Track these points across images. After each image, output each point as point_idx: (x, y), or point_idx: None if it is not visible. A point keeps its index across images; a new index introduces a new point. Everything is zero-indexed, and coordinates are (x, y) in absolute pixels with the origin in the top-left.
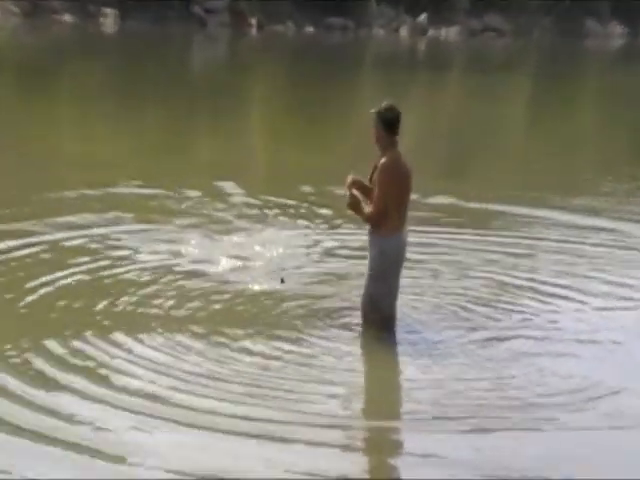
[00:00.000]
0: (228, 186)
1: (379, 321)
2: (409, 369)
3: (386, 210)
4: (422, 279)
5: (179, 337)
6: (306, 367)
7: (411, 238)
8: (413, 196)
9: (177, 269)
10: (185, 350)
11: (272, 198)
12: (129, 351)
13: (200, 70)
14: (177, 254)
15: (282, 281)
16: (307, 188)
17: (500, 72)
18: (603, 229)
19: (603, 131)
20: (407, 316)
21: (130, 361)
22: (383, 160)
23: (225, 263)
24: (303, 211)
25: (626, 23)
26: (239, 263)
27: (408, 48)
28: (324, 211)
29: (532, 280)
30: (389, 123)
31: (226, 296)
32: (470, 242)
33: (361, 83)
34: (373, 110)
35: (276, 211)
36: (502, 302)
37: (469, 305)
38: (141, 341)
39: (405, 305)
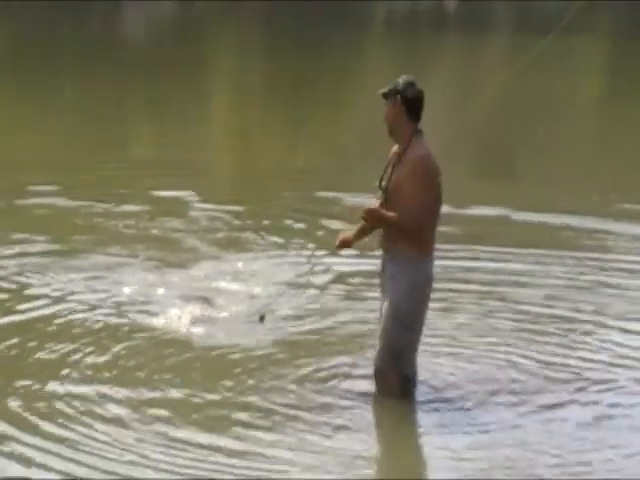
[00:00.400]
0: (183, 195)
1: (397, 383)
2: (441, 458)
3: (422, 222)
4: (448, 319)
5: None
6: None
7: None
8: (446, 207)
9: (107, 316)
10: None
11: (243, 210)
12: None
13: (137, 37)
14: (109, 294)
15: (261, 319)
16: (289, 196)
17: (564, 33)
18: None
19: None
20: (433, 375)
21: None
22: (416, 152)
23: (179, 307)
24: (287, 228)
25: None
26: (199, 307)
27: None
28: (315, 228)
29: (603, 325)
30: (413, 104)
31: (176, 358)
32: (518, 270)
33: (365, 52)
34: (386, 89)
35: (250, 229)
36: (562, 356)
37: (518, 359)
38: (34, 429)
39: (428, 360)
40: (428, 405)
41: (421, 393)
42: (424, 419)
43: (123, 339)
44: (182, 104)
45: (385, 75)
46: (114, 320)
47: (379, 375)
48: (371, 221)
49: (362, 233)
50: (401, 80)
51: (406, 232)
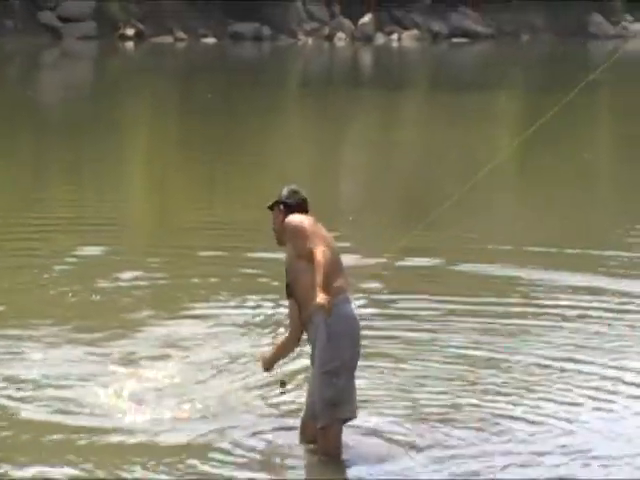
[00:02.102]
0: (97, 253)
1: (338, 433)
2: None
3: (297, 274)
4: (388, 370)
5: None
6: None
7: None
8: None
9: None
10: None
11: (164, 266)
12: None
13: (51, 99)
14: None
15: (282, 385)
16: (206, 250)
17: (476, 89)
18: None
19: (618, 159)
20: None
21: None
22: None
23: (104, 406)
24: (235, 288)
25: None
26: (138, 410)
27: (348, 60)
28: (233, 283)
29: (545, 366)
30: (295, 208)
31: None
32: (449, 315)
33: (282, 111)
34: (271, 203)
35: (174, 288)
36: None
37: (452, 414)
38: None
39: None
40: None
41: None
42: None
43: None
44: (99, 164)
45: (301, 134)
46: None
47: (321, 432)
48: (264, 365)
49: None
50: (285, 190)
51: (323, 268)
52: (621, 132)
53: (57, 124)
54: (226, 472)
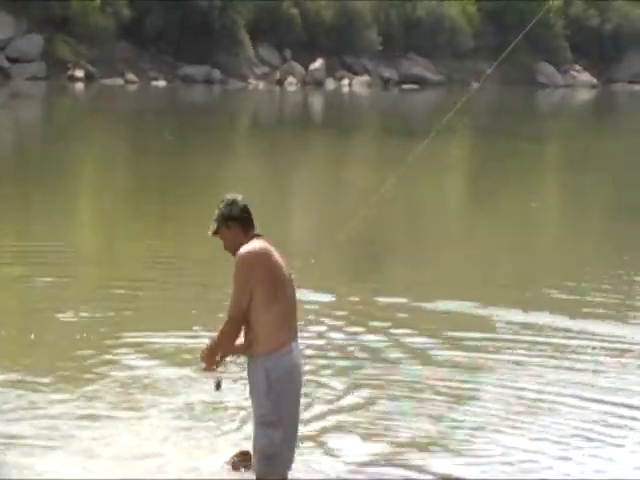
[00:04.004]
0: (56, 287)
1: None
2: None
3: (244, 315)
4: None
5: None
6: None
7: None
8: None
9: None
10: None
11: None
12: None
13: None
14: None
15: (218, 386)
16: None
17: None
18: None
19: (564, 207)
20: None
21: None
22: (240, 250)
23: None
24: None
25: (594, 68)
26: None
27: (298, 105)
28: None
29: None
30: (242, 218)
31: None
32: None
33: (233, 155)
34: (213, 227)
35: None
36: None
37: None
38: None
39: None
40: None
41: None
42: None
43: None
44: (48, 202)
45: (252, 174)
46: None
47: None
48: (205, 360)
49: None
50: (223, 206)
51: (230, 335)
52: (565, 182)
53: (5, 163)
54: None
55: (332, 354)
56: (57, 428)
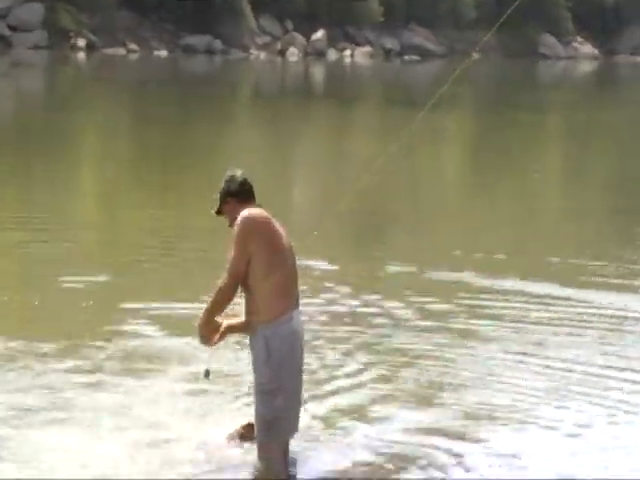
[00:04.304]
0: (54, 262)
1: (278, 455)
2: None
3: (242, 280)
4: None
5: None
6: None
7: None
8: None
9: None
10: None
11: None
12: None
13: (1, 107)
14: None
15: (207, 375)
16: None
17: (432, 109)
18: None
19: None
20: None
21: None
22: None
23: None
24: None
25: (596, 40)
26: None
27: (299, 76)
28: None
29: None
30: (242, 192)
31: None
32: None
33: (235, 125)
34: (215, 207)
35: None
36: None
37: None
38: None
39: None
40: None
41: None
42: None
43: None
44: (50, 171)
45: (254, 144)
46: None
47: (260, 451)
48: (202, 331)
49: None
50: (223, 182)
51: (227, 291)
52: (568, 152)
53: (7, 132)
54: None
55: (337, 323)
56: (61, 397)
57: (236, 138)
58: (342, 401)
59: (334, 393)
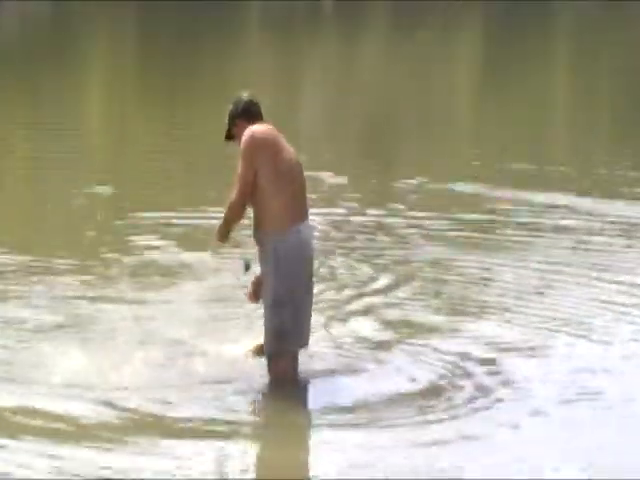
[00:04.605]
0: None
1: (288, 364)
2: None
3: (251, 193)
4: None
5: None
6: None
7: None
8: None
9: None
10: None
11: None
12: None
13: (12, 30)
14: None
15: (247, 267)
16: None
17: (437, 29)
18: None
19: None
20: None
21: None
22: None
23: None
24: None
25: None
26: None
27: None
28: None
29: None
30: (249, 112)
31: None
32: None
33: (240, 49)
34: (225, 133)
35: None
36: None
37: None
38: None
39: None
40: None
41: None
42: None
43: None
44: (58, 90)
45: (261, 70)
46: None
47: (269, 361)
48: (218, 235)
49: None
50: (231, 106)
51: (236, 207)
52: (579, 65)
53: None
54: None
55: (349, 235)
56: (74, 313)
57: (246, 57)
58: (378, 316)
59: (368, 309)
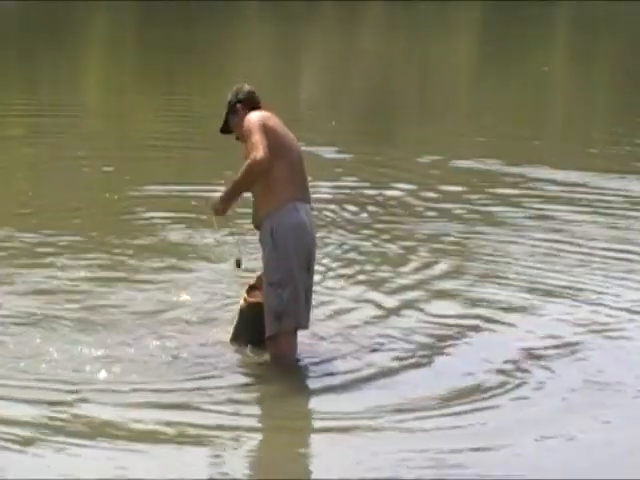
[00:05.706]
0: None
1: (288, 345)
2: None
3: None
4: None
5: None
6: None
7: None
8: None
9: None
10: None
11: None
12: None
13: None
14: None
15: (238, 264)
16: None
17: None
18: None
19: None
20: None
21: None
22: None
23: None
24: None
25: None
26: None
27: None
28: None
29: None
30: (251, 99)
31: None
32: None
33: (238, 26)
34: (222, 123)
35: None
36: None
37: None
38: None
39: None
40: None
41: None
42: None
43: None
44: (55, 69)
45: (260, 46)
46: None
47: (269, 342)
48: (220, 204)
49: (235, 193)
50: (229, 94)
51: (258, 165)
52: (577, 46)
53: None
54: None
55: (356, 212)
56: (82, 292)
57: (247, 35)
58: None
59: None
